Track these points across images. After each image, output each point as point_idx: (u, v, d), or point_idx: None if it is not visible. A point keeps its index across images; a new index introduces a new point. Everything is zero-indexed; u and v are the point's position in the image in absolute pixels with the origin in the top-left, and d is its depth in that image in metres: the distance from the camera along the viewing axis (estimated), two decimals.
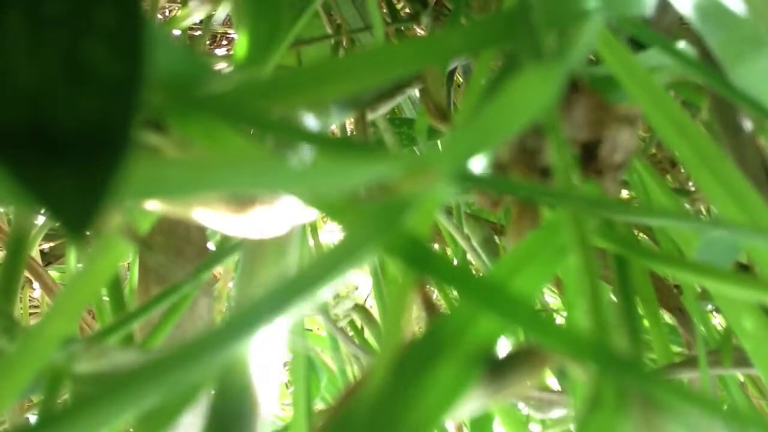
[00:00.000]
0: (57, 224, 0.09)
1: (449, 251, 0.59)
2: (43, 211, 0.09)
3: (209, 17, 0.50)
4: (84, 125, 0.10)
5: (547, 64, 0.16)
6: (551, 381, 0.49)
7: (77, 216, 0.09)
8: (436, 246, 0.62)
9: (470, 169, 0.14)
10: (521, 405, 0.35)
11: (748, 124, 0.26)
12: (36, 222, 0.51)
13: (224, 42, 1.07)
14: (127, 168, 0.10)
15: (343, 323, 0.61)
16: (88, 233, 0.10)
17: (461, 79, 0.62)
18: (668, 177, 0.67)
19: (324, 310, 0.54)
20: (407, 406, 0.14)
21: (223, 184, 0.12)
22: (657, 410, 0.14)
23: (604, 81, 0.23)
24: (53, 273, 0.85)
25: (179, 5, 0.91)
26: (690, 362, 0.36)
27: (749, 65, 0.20)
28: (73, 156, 0.10)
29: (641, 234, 0.56)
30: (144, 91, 0.10)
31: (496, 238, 0.57)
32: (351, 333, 0.61)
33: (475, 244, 0.54)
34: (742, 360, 0.37)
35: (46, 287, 0.62)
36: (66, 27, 0.10)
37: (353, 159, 0.13)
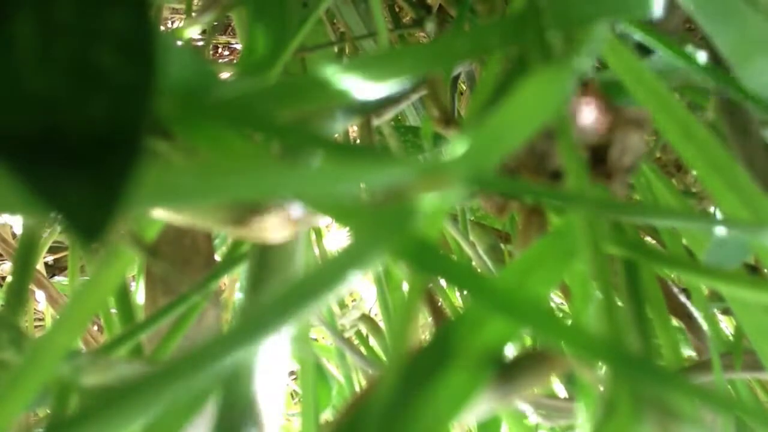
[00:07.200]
0: (68, 232, 0.09)
1: (454, 258, 0.59)
2: (54, 219, 0.09)
3: (212, 27, 0.50)
4: (95, 131, 0.10)
5: (556, 68, 0.16)
6: (558, 389, 0.49)
7: (91, 222, 0.09)
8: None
9: (481, 173, 0.14)
10: (530, 414, 0.35)
11: (756, 126, 0.26)
12: (42, 233, 0.51)
13: (226, 52, 1.07)
14: (138, 174, 0.10)
15: (349, 333, 0.61)
16: (95, 243, 0.10)
17: (464, 86, 0.62)
18: (673, 180, 0.67)
19: (330, 321, 0.53)
20: (416, 412, 0.14)
21: (230, 190, 0.12)
22: (672, 414, 0.14)
23: (611, 85, 0.23)
24: (58, 285, 0.85)
25: (182, 16, 0.91)
26: (701, 366, 0.36)
27: (758, 66, 0.20)
28: (85, 162, 0.10)
29: (648, 238, 0.56)
30: (153, 98, 0.10)
31: (501, 245, 0.57)
32: (357, 342, 0.61)
33: (480, 251, 0.54)
34: (753, 363, 0.37)
35: (52, 299, 0.62)
36: (76, 33, 0.10)
37: (364, 163, 0.13)
